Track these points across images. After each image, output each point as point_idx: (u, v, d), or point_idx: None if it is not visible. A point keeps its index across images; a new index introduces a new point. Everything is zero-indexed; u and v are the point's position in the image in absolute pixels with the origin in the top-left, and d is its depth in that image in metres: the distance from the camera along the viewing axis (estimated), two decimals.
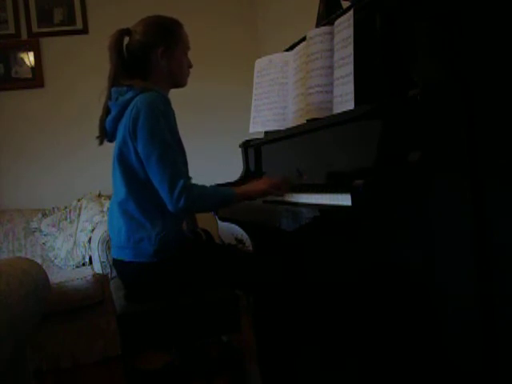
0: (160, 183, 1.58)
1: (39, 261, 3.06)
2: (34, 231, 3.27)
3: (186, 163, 1.71)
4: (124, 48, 1.72)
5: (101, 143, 1.76)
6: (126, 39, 1.74)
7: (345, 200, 1.23)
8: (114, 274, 2.12)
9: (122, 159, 1.65)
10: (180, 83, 1.80)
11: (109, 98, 1.70)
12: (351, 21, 1.51)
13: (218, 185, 1.94)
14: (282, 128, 1.98)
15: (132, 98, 1.63)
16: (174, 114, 1.66)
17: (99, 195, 3.28)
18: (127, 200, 1.65)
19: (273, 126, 2.03)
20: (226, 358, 2.05)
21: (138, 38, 1.71)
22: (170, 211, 1.63)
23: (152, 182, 1.61)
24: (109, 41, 1.70)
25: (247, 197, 1.71)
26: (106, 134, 1.74)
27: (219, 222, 2.34)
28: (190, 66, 1.81)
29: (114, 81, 1.69)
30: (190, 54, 1.81)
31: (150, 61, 1.71)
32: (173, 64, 1.74)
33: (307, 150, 1.76)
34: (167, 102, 1.65)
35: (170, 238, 1.64)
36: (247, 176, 2.25)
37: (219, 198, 1.63)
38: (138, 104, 1.60)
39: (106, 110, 1.72)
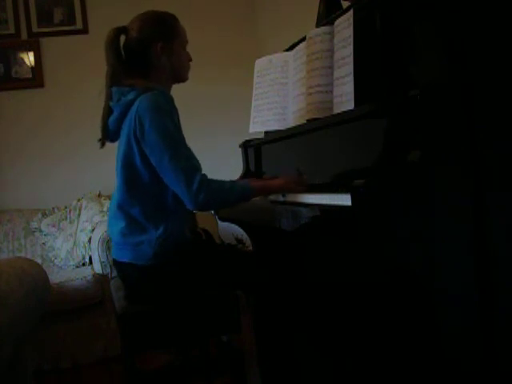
0: (176, 181, 1.54)
1: (39, 261, 3.06)
2: (34, 231, 3.27)
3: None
4: (121, 47, 1.70)
5: (102, 146, 1.73)
6: (123, 38, 1.71)
7: (345, 200, 1.23)
8: (114, 273, 2.12)
9: (125, 161, 1.63)
10: (182, 78, 1.78)
11: (109, 98, 1.68)
12: (351, 21, 1.51)
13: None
14: (282, 128, 1.98)
15: (135, 99, 1.61)
16: (177, 113, 1.65)
17: (99, 195, 3.28)
18: (129, 202, 1.63)
19: (273, 126, 2.03)
20: (226, 358, 2.05)
21: (134, 35, 1.68)
22: (172, 214, 1.62)
23: (155, 185, 1.59)
24: (105, 39, 1.67)
25: (266, 191, 1.68)
26: (108, 134, 1.72)
27: (219, 222, 2.34)
28: (190, 60, 1.78)
29: (113, 80, 1.66)
30: (190, 54, 1.81)
31: (150, 57, 1.69)
32: (173, 59, 1.71)
33: (307, 150, 1.76)
34: (171, 101, 1.63)
35: (171, 241, 1.62)
36: (247, 176, 2.25)
37: (238, 193, 1.58)
38: (143, 105, 1.57)
39: (108, 111, 1.69)
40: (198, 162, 1.60)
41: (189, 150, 1.60)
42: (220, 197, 1.56)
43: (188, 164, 1.55)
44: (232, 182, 1.63)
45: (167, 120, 1.57)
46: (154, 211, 1.63)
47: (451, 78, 1.20)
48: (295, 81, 1.91)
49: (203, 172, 1.57)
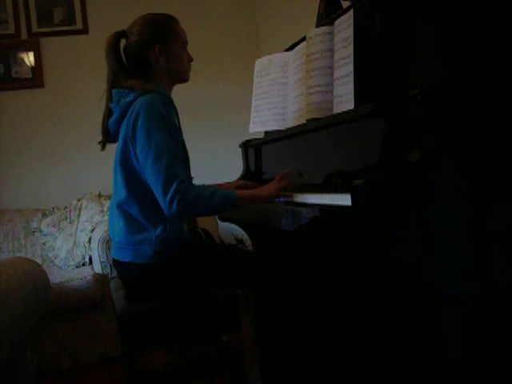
0: (155, 186, 1.55)
1: (39, 261, 3.06)
2: (34, 231, 3.26)
3: (187, 165, 1.69)
4: (122, 51, 1.71)
5: (103, 148, 1.74)
6: (123, 42, 1.72)
7: (345, 200, 1.23)
8: (114, 273, 2.12)
9: (123, 161, 1.64)
10: (182, 78, 1.78)
11: (110, 99, 1.69)
12: (351, 21, 1.51)
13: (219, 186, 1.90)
14: (282, 128, 1.98)
15: (133, 100, 1.62)
16: (177, 114, 1.65)
17: (99, 195, 3.28)
18: (128, 201, 1.64)
19: (273, 126, 2.03)
20: (226, 358, 2.05)
21: (134, 38, 1.70)
22: None
23: None
24: (105, 44, 1.69)
25: (251, 201, 1.68)
26: (109, 136, 1.73)
27: (219, 222, 2.34)
28: (191, 60, 1.79)
29: (113, 83, 1.68)
30: (191, 54, 1.80)
31: (149, 60, 1.70)
32: (172, 60, 1.72)
33: (307, 150, 1.76)
34: (168, 103, 1.64)
35: (171, 240, 1.63)
36: (247, 176, 2.25)
37: (218, 202, 1.57)
38: (138, 107, 1.59)
39: (108, 112, 1.71)
40: (180, 168, 1.57)
41: (176, 155, 1.58)
42: (197, 205, 1.55)
43: (169, 171, 1.53)
44: (214, 189, 1.60)
45: (158, 123, 1.57)
46: (153, 210, 1.63)
47: (451, 78, 1.20)
48: (295, 81, 1.91)
49: (183, 178, 1.54)
